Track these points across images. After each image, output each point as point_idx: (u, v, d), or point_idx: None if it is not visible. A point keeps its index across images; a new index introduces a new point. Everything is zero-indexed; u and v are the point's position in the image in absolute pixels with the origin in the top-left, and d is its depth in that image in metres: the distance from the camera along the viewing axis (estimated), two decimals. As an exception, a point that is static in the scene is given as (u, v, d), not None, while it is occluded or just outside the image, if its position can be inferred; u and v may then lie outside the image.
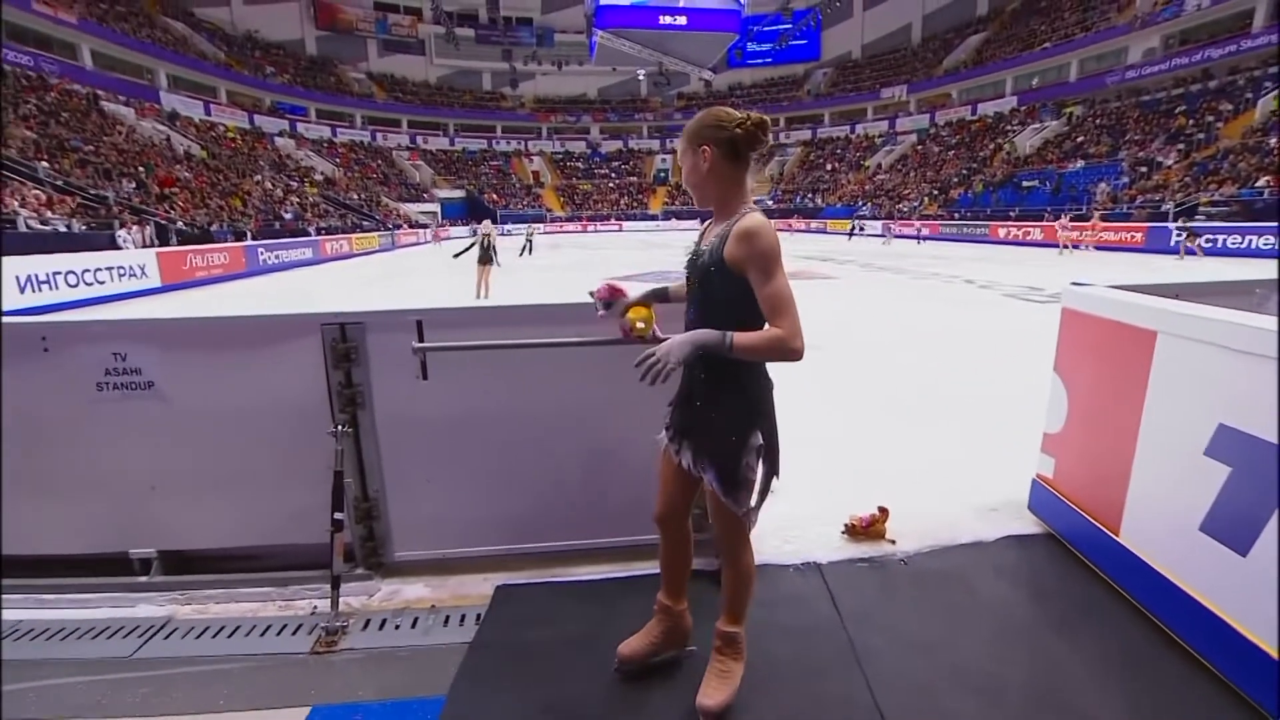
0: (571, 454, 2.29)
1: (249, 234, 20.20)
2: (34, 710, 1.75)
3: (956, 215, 30.08)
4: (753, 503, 1.58)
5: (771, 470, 1.58)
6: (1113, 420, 2.14)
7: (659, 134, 60.10)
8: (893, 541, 2.48)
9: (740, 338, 1.40)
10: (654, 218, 49.38)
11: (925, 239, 27.79)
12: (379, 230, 32.22)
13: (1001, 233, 24.46)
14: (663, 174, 56.21)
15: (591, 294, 1.86)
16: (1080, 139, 30.47)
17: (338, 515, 1.99)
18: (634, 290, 1.88)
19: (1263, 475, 1.62)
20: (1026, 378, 4.59)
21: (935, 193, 35.30)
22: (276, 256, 19.06)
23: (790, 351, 1.39)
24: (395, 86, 53.17)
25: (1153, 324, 2.00)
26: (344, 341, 2.12)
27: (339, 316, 2.11)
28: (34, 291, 10.53)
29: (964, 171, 35.49)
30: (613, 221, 50.69)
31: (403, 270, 18.25)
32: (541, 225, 49.19)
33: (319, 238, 23.53)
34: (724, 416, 1.54)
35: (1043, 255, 19.05)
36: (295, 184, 33.36)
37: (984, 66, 42.09)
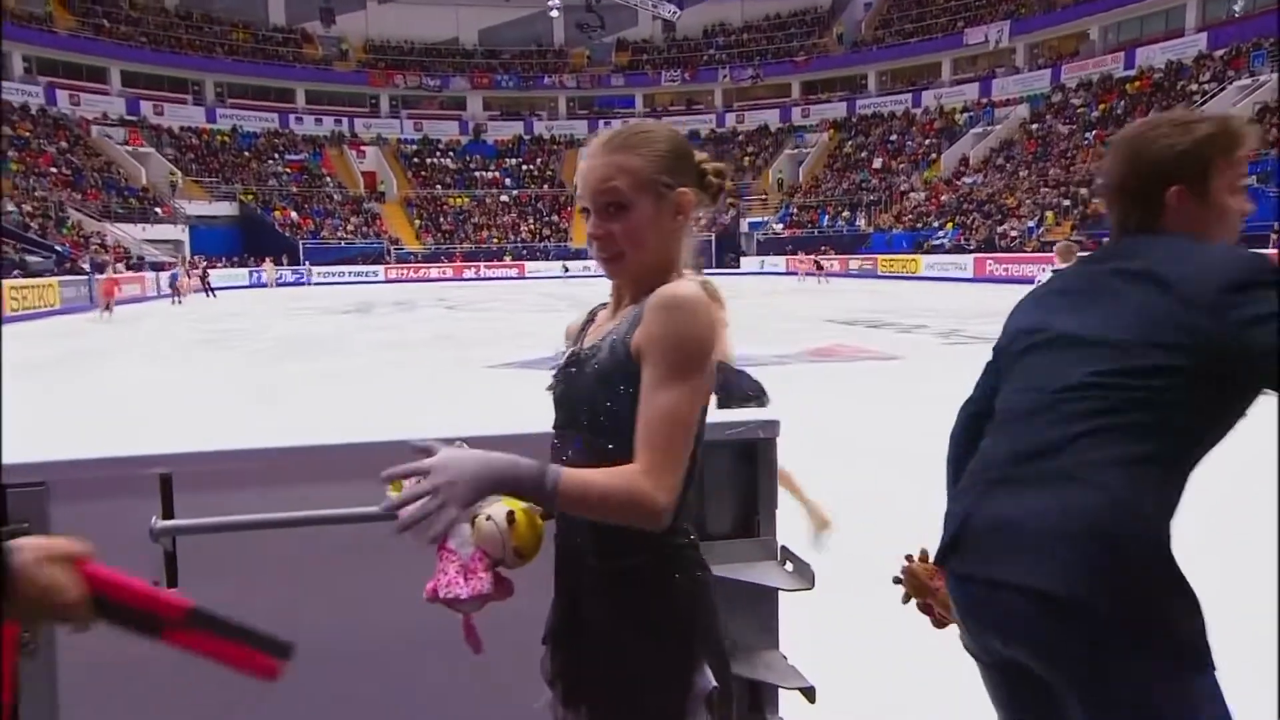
0: (454, 708, 2.39)
1: None
2: None
3: (1105, 240, 31.58)
4: None
5: None
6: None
7: (586, 111, 62.40)
8: None
9: (571, 477, 1.46)
10: (580, 255, 50.69)
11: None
12: (60, 273, 32.65)
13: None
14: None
15: None
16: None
17: None
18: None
19: None
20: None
21: (1065, 203, 37.21)
22: None
23: (649, 514, 1.47)
24: (97, 8, 54.23)
25: None
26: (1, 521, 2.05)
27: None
28: None
29: (1113, 166, 37.76)
30: (508, 262, 51.85)
31: (108, 351, 18.01)
32: (379, 268, 49.73)
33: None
34: (640, 650, 1.61)
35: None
36: None
37: (1148, -16, 44.51)
